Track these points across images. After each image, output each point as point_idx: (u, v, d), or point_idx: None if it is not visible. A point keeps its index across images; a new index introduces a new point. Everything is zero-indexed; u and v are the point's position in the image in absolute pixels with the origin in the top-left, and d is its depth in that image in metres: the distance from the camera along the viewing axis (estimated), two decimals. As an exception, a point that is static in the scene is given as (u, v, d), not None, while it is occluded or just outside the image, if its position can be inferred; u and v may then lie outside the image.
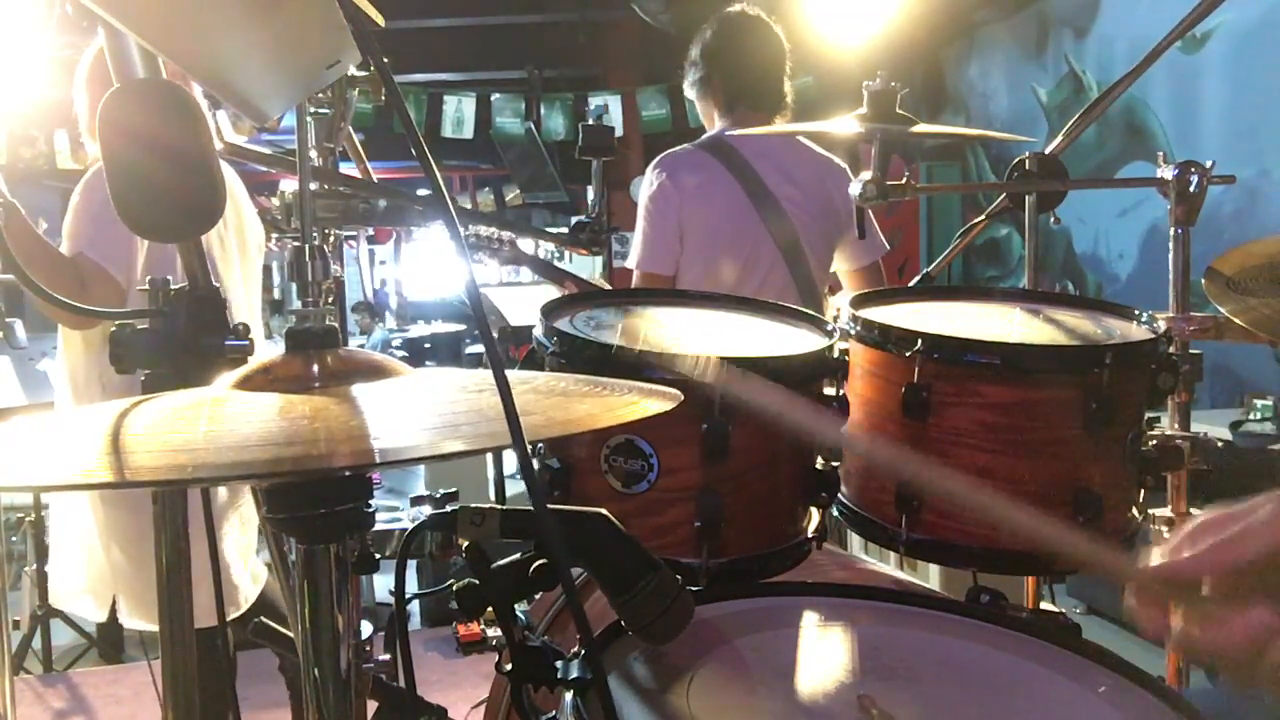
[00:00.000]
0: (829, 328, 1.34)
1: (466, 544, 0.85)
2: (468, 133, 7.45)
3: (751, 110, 2.53)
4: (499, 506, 0.85)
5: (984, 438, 1.22)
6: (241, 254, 2.39)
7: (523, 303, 3.26)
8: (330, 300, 0.97)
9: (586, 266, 7.63)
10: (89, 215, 2.08)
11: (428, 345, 7.94)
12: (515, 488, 4.41)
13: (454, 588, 0.86)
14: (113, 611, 2.25)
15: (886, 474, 1.26)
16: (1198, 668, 1.57)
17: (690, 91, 2.66)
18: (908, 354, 1.22)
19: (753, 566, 1.21)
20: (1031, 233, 1.80)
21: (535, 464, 1.20)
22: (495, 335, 0.68)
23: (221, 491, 2.26)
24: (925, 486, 1.11)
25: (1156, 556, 0.65)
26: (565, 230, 1.91)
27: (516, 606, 0.85)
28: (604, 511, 0.86)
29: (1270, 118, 3.90)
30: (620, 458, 1.15)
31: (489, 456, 4.15)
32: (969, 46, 6.22)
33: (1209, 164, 1.57)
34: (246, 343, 1.01)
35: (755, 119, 2.50)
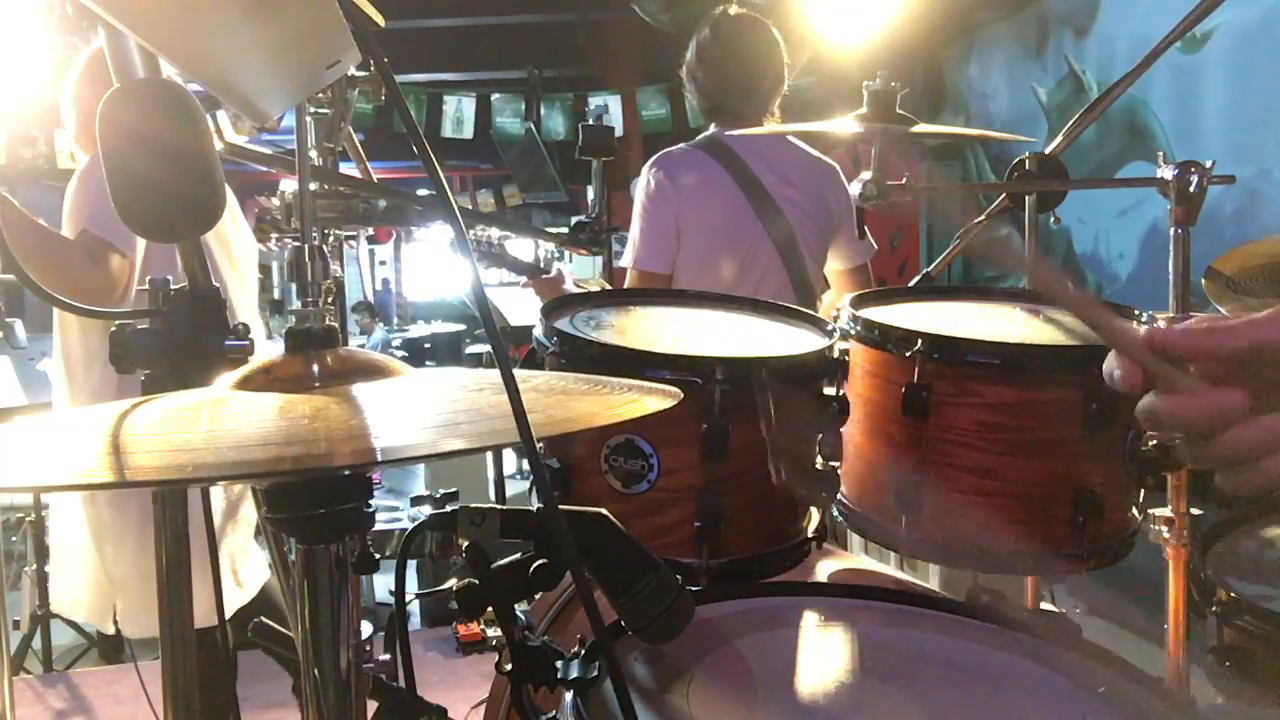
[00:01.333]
0: (829, 328, 1.34)
1: (466, 544, 0.85)
2: (468, 133, 7.44)
3: (743, 111, 2.53)
4: (499, 506, 0.85)
5: (984, 438, 1.22)
6: (237, 254, 2.40)
7: (523, 303, 3.26)
8: (330, 300, 0.97)
9: (587, 266, 7.63)
10: (89, 196, 2.08)
11: (428, 345, 7.94)
12: (515, 488, 4.42)
13: (454, 588, 0.85)
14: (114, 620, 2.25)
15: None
16: (1198, 666, 1.57)
17: (688, 91, 2.67)
18: (908, 354, 1.22)
19: (752, 566, 1.21)
20: (1031, 233, 1.80)
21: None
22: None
23: (219, 504, 2.26)
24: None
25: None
26: (565, 230, 1.91)
27: (516, 606, 0.85)
28: (604, 511, 0.86)
29: (1270, 118, 3.90)
30: (620, 458, 1.15)
31: (489, 456, 4.16)
32: (969, 46, 6.22)
33: (1209, 164, 1.57)
34: (246, 343, 1.01)
35: (746, 120, 2.51)
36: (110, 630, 2.30)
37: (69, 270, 2.00)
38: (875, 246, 2.59)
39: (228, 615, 2.19)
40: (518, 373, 0.82)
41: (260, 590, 2.36)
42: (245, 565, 2.36)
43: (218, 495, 2.28)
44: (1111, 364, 0.64)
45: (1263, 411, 0.60)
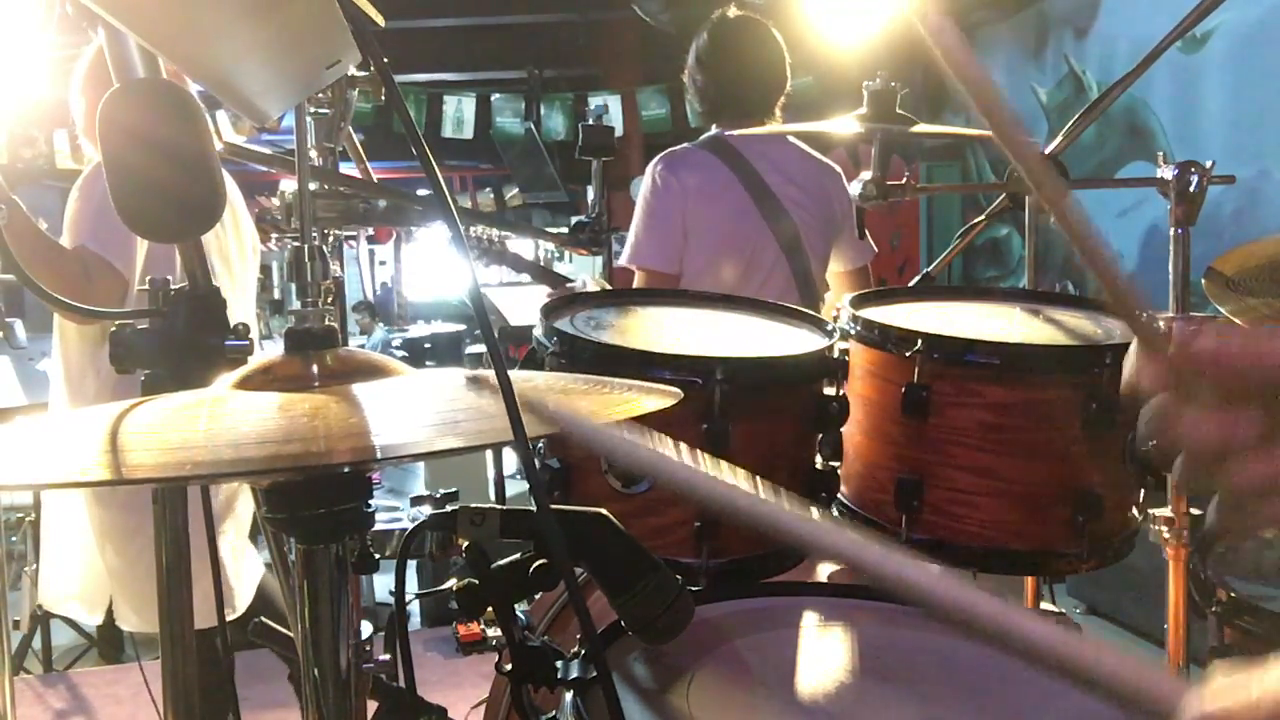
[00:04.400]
0: (829, 328, 1.34)
1: (466, 544, 0.85)
2: (468, 133, 7.45)
3: (745, 113, 2.53)
4: (499, 506, 0.85)
5: (984, 438, 1.22)
6: (239, 255, 2.39)
7: (523, 303, 3.26)
8: (330, 300, 0.97)
9: (587, 266, 7.63)
10: (90, 209, 2.09)
11: (428, 345, 7.93)
12: (515, 487, 4.42)
13: (454, 588, 0.85)
14: (110, 615, 2.25)
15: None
16: (1198, 666, 1.57)
17: (689, 95, 2.68)
18: (908, 354, 1.22)
19: (752, 566, 1.21)
20: (1031, 233, 1.80)
21: (535, 463, 1.20)
22: (495, 335, 0.68)
23: (219, 497, 2.26)
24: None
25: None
26: (565, 230, 1.90)
27: (516, 606, 0.85)
28: (604, 511, 0.86)
29: (1270, 118, 3.90)
30: (620, 457, 1.15)
31: (489, 456, 4.16)
32: (969, 47, 6.23)
33: (1209, 164, 1.57)
34: (246, 343, 1.01)
35: (749, 122, 2.51)
36: (101, 620, 2.29)
37: (63, 280, 2.00)
38: (875, 249, 2.59)
39: (238, 614, 2.20)
40: (518, 373, 0.82)
41: (260, 590, 2.36)
42: (245, 562, 2.36)
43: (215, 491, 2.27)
44: (1135, 365, 0.58)
45: (1277, 444, 0.54)
